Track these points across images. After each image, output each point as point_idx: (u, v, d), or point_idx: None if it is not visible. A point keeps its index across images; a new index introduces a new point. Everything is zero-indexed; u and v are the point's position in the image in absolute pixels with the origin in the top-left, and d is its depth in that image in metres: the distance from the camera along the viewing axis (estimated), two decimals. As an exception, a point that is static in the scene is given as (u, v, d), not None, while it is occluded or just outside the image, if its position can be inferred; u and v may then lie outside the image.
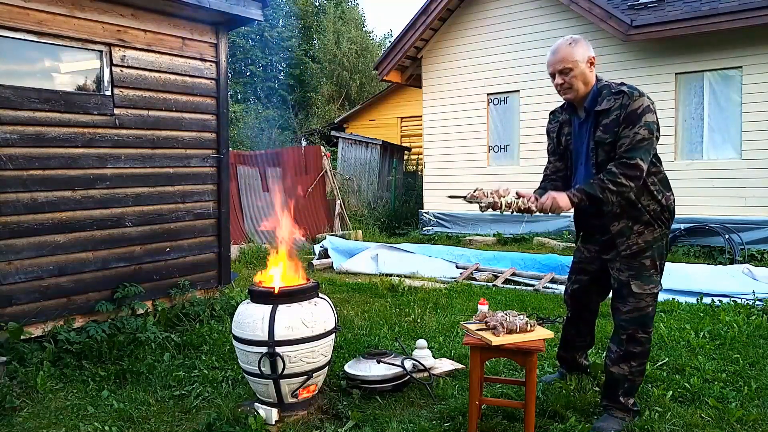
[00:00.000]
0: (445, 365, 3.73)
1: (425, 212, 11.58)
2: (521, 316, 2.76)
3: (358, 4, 29.10)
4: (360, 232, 10.76)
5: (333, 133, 16.10)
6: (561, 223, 9.79)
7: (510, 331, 2.67)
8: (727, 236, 8.02)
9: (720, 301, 5.35)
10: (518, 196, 2.80)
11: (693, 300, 5.43)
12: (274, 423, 2.99)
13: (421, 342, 3.70)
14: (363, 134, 15.30)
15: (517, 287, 6.38)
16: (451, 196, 2.85)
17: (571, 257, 3.33)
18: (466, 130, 11.00)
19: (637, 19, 8.69)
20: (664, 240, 2.88)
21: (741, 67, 8.42)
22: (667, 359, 3.77)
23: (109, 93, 4.70)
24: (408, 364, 3.42)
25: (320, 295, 3.26)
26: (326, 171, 11.44)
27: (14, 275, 4.14)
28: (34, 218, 4.27)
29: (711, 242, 8.32)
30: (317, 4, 28.48)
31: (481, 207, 2.73)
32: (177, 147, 5.19)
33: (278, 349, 2.94)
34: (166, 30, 5.05)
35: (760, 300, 5.23)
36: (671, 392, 3.20)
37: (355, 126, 17.70)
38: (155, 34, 4.98)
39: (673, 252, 8.17)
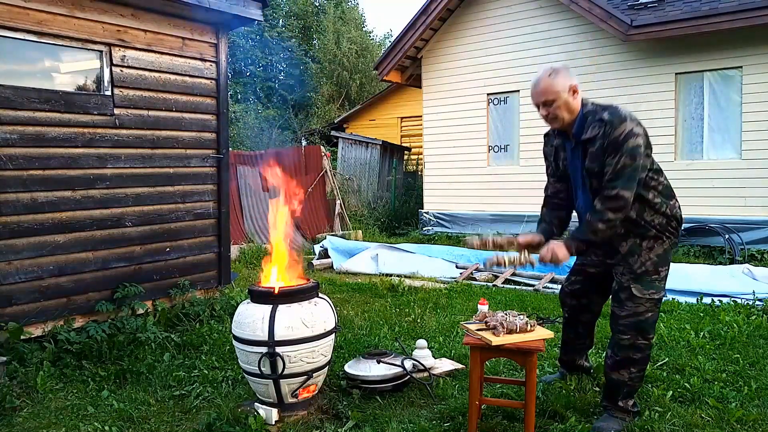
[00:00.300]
0: (445, 365, 3.73)
1: (425, 212, 11.58)
2: (521, 316, 2.76)
3: (358, 4, 29.11)
4: (360, 232, 10.76)
5: (333, 133, 16.10)
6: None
7: (510, 331, 2.67)
8: (727, 236, 8.02)
9: (720, 301, 5.35)
10: (520, 246, 2.90)
11: (693, 300, 5.44)
12: (274, 423, 2.99)
13: (421, 342, 3.70)
14: (363, 134, 15.30)
15: (517, 287, 6.38)
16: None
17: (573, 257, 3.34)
18: (466, 130, 11.00)
19: (637, 19, 8.69)
20: (674, 249, 2.90)
21: (741, 67, 8.41)
22: (667, 359, 3.77)
23: (109, 93, 4.70)
24: (408, 364, 3.42)
25: (320, 295, 3.26)
26: (326, 171, 11.44)
27: (14, 275, 4.14)
28: (34, 218, 4.27)
29: (711, 242, 8.32)
30: (317, 4, 28.47)
31: (486, 267, 2.74)
32: (177, 147, 5.19)
33: (278, 349, 2.94)
34: (166, 30, 5.05)
35: (760, 300, 5.23)
36: (671, 392, 3.20)
37: (355, 126, 17.69)
38: (155, 34, 4.98)
39: (674, 252, 8.16)
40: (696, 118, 8.86)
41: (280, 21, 27.29)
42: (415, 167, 15.04)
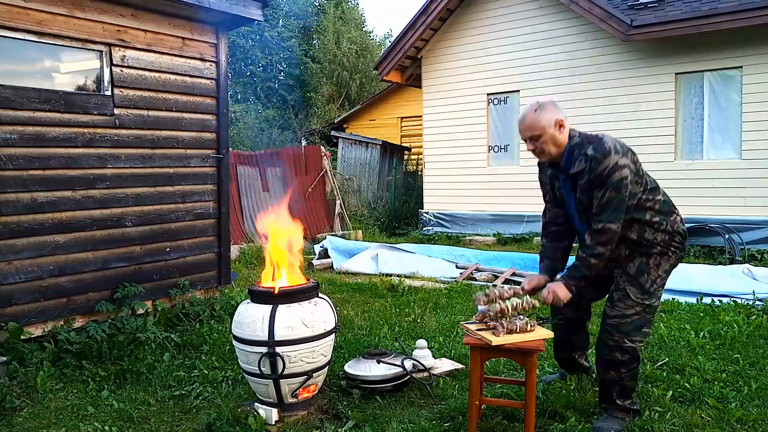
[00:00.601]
0: (445, 365, 3.73)
1: (425, 212, 11.58)
2: (521, 316, 2.76)
3: (358, 4, 29.07)
4: (360, 232, 10.76)
5: (333, 133, 16.09)
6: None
7: (510, 331, 2.67)
8: (727, 236, 8.02)
9: (720, 301, 5.35)
10: (526, 293, 2.91)
11: (693, 300, 5.44)
12: (274, 423, 2.99)
13: (421, 342, 3.70)
14: (363, 134, 15.30)
15: (517, 287, 6.37)
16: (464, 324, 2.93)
17: (573, 257, 3.34)
18: (466, 130, 11.00)
19: (637, 19, 8.69)
20: (680, 262, 2.93)
21: (741, 67, 8.41)
22: (667, 359, 3.77)
23: (109, 93, 4.70)
24: (408, 364, 3.42)
25: (320, 295, 3.26)
26: (326, 171, 11.44)
27: (14, 275, 4.14)
28: (34, 218, 4.27)
29: (711, 242, 8.32)
30: (317, 4, 28.47)
31: (489, 316, 2.75)
32: (177, 147, 5.19)
33: (278, 349, 2.94)
34: (166, 30, 5.05)
35: (760, 300, 5.23)
36: (671, 392, 3.20)
37: (355, 126, 17.69)
38: (155, 34, 4.98)
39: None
40: (696, 118, 8.86)
41: (280, 21, 27.28)
42: (415, 167, 15.04)
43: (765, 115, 8.23)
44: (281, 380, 3.00)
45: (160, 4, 4.86)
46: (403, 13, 53.24)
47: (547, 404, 3.06)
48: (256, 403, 3.12)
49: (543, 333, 2.74)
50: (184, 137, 5.25)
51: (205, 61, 5.40)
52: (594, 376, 3.37)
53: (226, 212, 5.64)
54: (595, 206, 2.73)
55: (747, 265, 6.59)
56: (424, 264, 7.43)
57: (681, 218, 2.92)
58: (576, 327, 3.26)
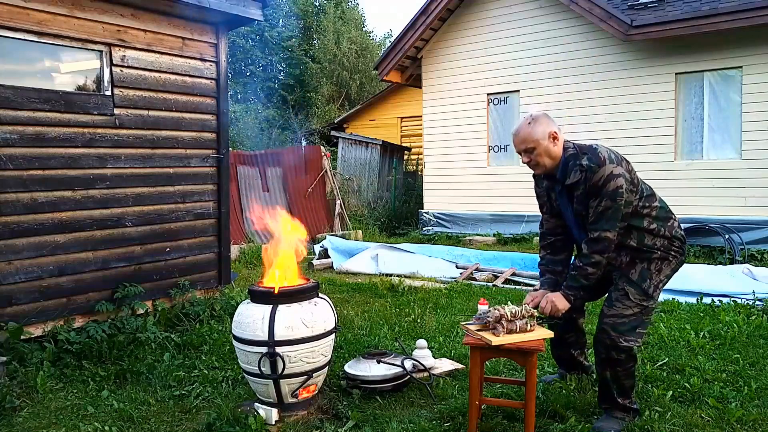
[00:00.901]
0: (445, 365, 3.73)
1: (425, 212, 11.58)
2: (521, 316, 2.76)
3: (358, 4, 29.07)
4: (360, 232, 10.76)
5: (333, 133, 16.09)
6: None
7: (510, 331, 2.67)
8: (727, 236, 8.02)
9: (720, 301, 5.35)
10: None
11: (693, 300, 5.44)
12: (274, 423, 2.99)
13: (421, 342, 3.70)
14: (363, 134, 15.29)
15: (517, 287, 6.38)
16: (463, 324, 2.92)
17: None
18: (466, 130, 11.00)
19: (637, 19, 8.69)
20: (680, 266, 2.95)
21: (741, 67, 8.41)
22: (667, 359, 3.77)
23: (109, 93, 4.70)
24: (408, 364, 3.42)
25: (320, 295, 3.26)
26: (326, 171, 11.44)
27: (14, 275, 4.14)
28: (34, 218, 4.27)
29: (711, 242, 8.32)
30: (317, 4, 28.46)
31: (488, 323, 2.75)
32: (177, 147, 5.19)
33: (278, 349, 2.94)
34: (166, 30, 5.05)
35: (760, 300, 5.23)
36: (671, 392, 3.20)
37: (355, 126, 17.69)
38: (155, 34, 4.99)
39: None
40: (696, 118, 8.87)
41: (280, 21, 27.27)
42: (415, 167, 15.04)
43: (765, 115, 8.23)
44: (281, 380, 3.00)
45: (160, 4, 4.86)
46: (403, 13, 53.27)
47: (547, 404, 3.06)
48: (256, 403, 3.12)
49: (543, 333, 2.74)
50: (184, 137, 5.25)
51: (205, 61, 5.40)
52: (594, 376, 3.37)
53: (226, 212, 5.64)
54: (590, 215, 2.75)
55: (747, 265, 6.59)
56: (424, 264, 7.43)
57: (678, 223, 2.94)
58: (569, 325, 3.26)
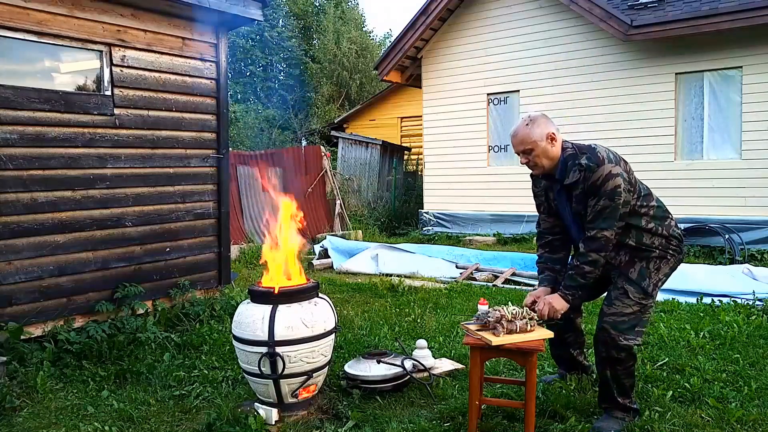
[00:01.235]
0: (445, 365, 3.73)
1: (425, 212, 11.58)
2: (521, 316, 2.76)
3: (358, 4, 29.10)
4: (360, 232, 10.76)
5: (333, 133, 16.09)
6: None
7: (510, 331, 2.67)
8: (727, 236, 8.02)
9: (720, 301, 5.35)
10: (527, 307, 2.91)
11: (693, 300, 5.44)
12: (274, 423, 2.99)
13: (421, 342, 3.70)
14: (363, 134, 15.29)
15: (517, 287, 6.38)
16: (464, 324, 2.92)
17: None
18: (466, 130, 11.00)
19: (637, 19, 8.69)
20: (679, 265, 2.96)
21: (741, 67, 8.41)
22: (667, 359, 3.77)
23: (109, 93, 4.70)
24: (408, 364, 3.42)
25: (320, 295, 3.26)
26: (326, 171, 11.44)
27: (14, 275, 4.14)
28: (34, 218, 4.27)
29: (711, 242, 8.32)
30: (317, 4, 28.47)
31: (488, 323, 2.75)
32: (177, 147, 5.19)
33: (278, 349, 2.94)
34: (166, 30, 5.05)
35: (760, 300, 5.23)
36: (671, 392, 3.20)
37: (355, 126, 17.69)
38: (155, 34, 4.99)
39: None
40: (696, 118, 8.86)
41: (280, 21, 27.27)
42: (415, 167, 15.04)
43: (765, 115, 8.23)
44: (281, 380, 3.00)
45: (160, 4, 4.86)
46: (403, 13, 53.26)
47: (547, 404, 3.06)
48: (256, 403, 3.12)
49: (543, 333, 2.74)
50: (184, 137, 5.25)
51: (205, 61, 5.40)
52: (594, 376, 3.37)
53: (226, 212, 5.64)
54: (588, 214, 2.76)
55: (747, 265, 6.59)
56: (424, 264, 7.43)
57: (675, 222, 2.95)
58: (568, 325, 3.26)
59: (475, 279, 6.83)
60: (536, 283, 6.52)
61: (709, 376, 3.48)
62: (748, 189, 8.35)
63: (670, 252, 2.89)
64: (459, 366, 3.74)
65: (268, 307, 3.01)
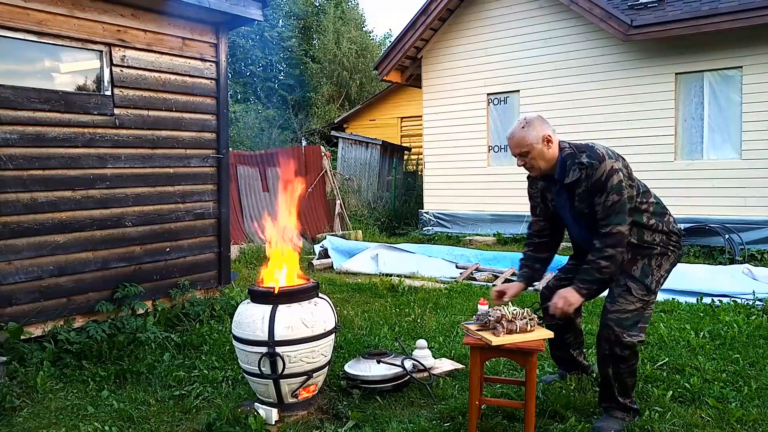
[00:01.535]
0: (445, 365, 3.73)
1: (425, 212, 11.58)
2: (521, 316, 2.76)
3: (358, 4, 29.06)
4: (360, 232, 10.76)
5: (333, 133, 16.09)
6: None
7: (510, 331, 2.67)
8: (727, 236, 8.02)
9: (720, 301, 5.35)
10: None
11: (693, 300, 5.44)
12: (274, 423, 2.99)
13: (421, 342, 3.70)
14: (363, 134, 15.29)
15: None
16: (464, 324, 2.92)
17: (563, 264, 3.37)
18: (466, 130, 11.00)
19: (637, 19, 8.69)
20: (679, 261, 2.98)
21: (741, 67, 8.41)
22: (667, 359, 3.77)
23: (109, 93, 4.70)
24: (408, 364, 3.42)
25: (320, 295, 3.26)
26: (326, 171, 11.44)
27: (14, 275, 4.14)
28: (34, 218, 4.27)
29: (711, 242, 8.32)
30: (317, 4, 28.46)
31: (488, 323, 2.75)
32: (177, 147, 5.19)
33: (278, 349, 2.94)
34: (166, 30, 5.05)
35: (760, 300, 5.23)
36: (671, 392, 3.20)
37: (355, 126, 17.69)
38: (155, 34, 4.98)
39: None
40: (696, 118, 8.86)
41: (280, 21, 27.27)
42: (415, 167, 15.04)
43: (765, 115, 8.23)
44: (281, 380, 3.00)
45: (160, 4, 4.86)
46: (403, 13, 53.26)
47: (547, 404, 3.06)
48: (256, 403, 3.12)
49: (543, 333, 2.74)
50: (184, 137, 5.25)
51: (205, 61, 5.40)
52: (594, 375, 3.38)
53: (226, 212, 5.64)
54: (599, 212, 2.76)
55: (747, 265, 6.59)
56: (424, 264, 7.43)
57: (673, 218, 2.97)
58: (568, 325, 3.27)
59: (475, 279, 6.83)
60: (536, 282, 6.53)
61: (709, 376, 3.48)
62: (748, 189, 8.35)
63: (671, 248, 2.91)
64: (459, 366, 3.74)
65: (268, 307, 3.01)
